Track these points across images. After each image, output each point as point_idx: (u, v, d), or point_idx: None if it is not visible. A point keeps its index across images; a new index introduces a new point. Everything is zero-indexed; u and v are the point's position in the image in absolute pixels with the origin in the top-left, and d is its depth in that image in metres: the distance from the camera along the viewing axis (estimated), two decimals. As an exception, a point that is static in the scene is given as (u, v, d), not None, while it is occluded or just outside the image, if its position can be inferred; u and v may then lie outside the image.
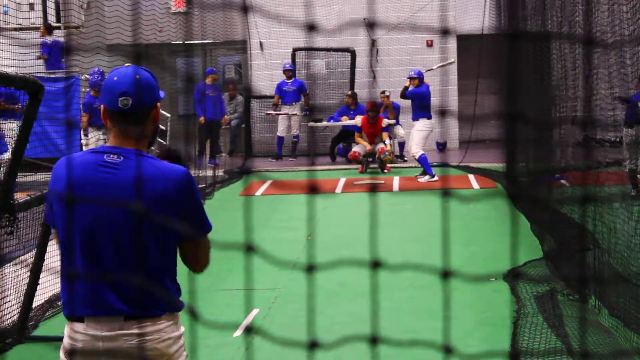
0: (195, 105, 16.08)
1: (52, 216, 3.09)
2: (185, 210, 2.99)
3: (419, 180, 13.81)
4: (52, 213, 3.09)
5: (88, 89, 13.78)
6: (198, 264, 3.12)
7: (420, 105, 13.89)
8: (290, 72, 17.37)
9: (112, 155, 2.99)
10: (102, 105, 3.07)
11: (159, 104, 3.13)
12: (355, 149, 15.29)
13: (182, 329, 3.18)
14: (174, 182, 2.97)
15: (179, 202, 2.97)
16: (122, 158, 2.99)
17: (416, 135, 13.87)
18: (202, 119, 15.95)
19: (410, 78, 14.01)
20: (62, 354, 3.11)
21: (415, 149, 13.83)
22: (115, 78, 3.03)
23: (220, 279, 7.89)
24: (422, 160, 13.81)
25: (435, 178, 13.66)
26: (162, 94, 3.18)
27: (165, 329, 3.04)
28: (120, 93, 2.99)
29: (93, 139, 13.72)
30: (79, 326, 3.05)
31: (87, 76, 13.83)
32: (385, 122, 15.33)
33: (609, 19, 6.96)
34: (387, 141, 15.19)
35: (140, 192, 2.96)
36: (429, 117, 13.88)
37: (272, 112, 17.55)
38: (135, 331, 2.99)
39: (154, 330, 3.02)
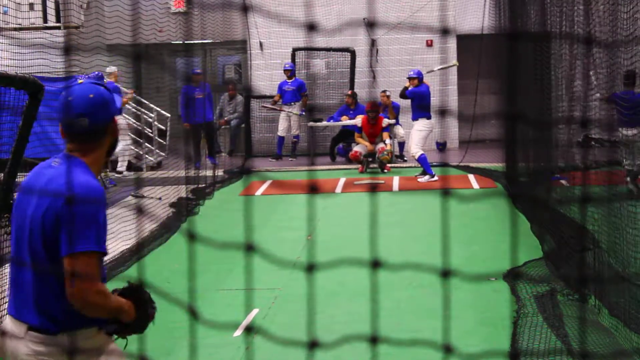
0: (180, 109, 15.94)
1: None
2: (66, 219, 2.89)
3: (419, 180, 13.82)
4: None
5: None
6: (68, 290, 2.88)
7: (420, 105, 13.91)
8: (290, 72, 17.37)
9: (56, 160, 3.05)
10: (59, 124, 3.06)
11: (115, 117, 3.12)
12: (357, 148, 15.29)
13: (96, 349, 3.05)
14: (69, 188, 2.91)
15: (64, 209, 2.89)
16: (59, 163, 3.02)
17: (415, 135, 13.88)
18: (186, 124, 15.82)
19: (410, 78, 14.04)
20: None
21: (414, 148, 13.84)
22: (70, 98, 3.01)
23: (220, 279, 7.90)
24: (421, 160, 13.83)
25: (435, 178, 13.67)
26: (118, 103, 3.19)
27: (53, 349, 2.95)
28: (76, 115, 2.99)
29: None
30: (6, 320, 3.09)
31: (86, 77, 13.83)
32: (386, 122, 15.34)
33: (607, 19, 6.96)
34: (388, 141, 15.20)
35: (45, 192, 2.95)
36: (429, 117, 13.89)
37: (267, 105, 17.50)
38: (30, 345, 2.96)
39: (45, 350, 2.95)
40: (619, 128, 9.55)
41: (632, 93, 9.11)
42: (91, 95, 3.01)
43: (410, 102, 14.08)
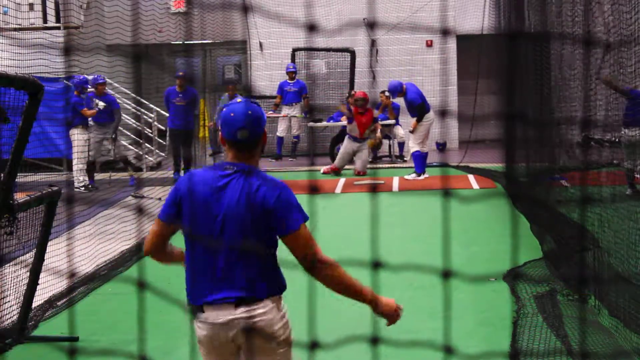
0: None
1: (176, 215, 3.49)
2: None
3: (406, 177, 13.94)
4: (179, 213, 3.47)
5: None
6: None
7: (412, 107, 13.99)
8: (293, 74, 17.39)
9: (228, 168, 3.45)
10: (220, 134, 3.53)
11: (266, 129, 3.53)
12: (337, 163, 15.18)
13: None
14: (273, 189, 3.41)
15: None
16: (234, 170, 3.44)
17: (416, 131, 13.96)
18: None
19: (389, 96, 14.37)
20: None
21: (412, 144, 13.94)
22: (232, 114, 3.45)
23: (220, 279, 7.88)
24: (415, 156, 13.88)
25: (422, 177, 13.77)
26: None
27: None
28: (239, 128, 3.43)
29: (85, 137, 13.69)
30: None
31: (85, 76, 13.82)
32: (376, 112, 15.34)
33: (608, 19, 6.96)
34: (378, 132, 15.17)
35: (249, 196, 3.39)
36: (426, 110, 13.95)
37: (271, 113, 17.57)
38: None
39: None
40: (621, 128, 9.55)
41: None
42: (249, 112, 3.45)
43: (406, 106, 14.17)
